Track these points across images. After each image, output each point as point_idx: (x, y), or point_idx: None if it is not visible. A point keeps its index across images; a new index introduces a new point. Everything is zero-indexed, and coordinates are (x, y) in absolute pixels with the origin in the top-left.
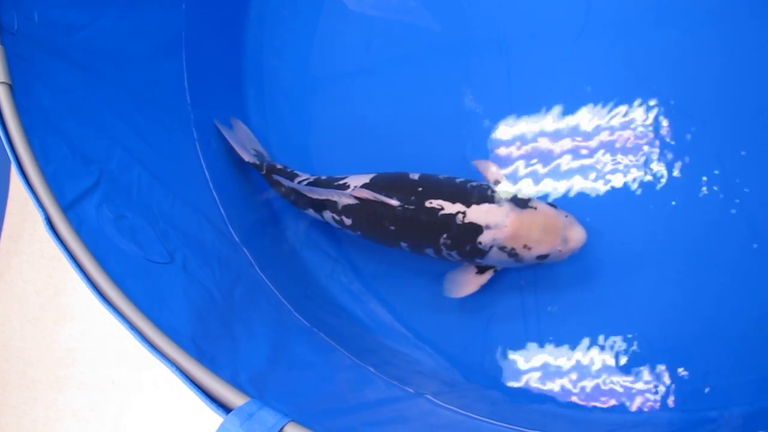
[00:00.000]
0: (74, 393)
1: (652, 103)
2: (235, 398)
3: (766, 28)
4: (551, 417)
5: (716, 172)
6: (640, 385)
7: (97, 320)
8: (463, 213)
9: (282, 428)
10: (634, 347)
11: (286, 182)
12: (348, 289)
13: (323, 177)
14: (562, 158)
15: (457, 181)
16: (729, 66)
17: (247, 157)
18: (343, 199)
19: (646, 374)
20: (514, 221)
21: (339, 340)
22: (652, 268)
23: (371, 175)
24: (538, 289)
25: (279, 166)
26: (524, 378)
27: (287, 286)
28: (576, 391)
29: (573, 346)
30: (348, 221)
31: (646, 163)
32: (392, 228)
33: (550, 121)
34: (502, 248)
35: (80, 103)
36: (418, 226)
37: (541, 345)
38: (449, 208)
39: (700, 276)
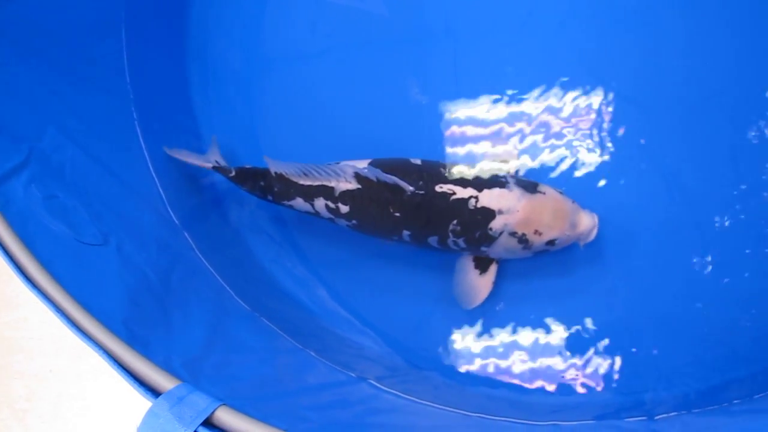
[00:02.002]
0: (10, 383)
1: (598, 88)
2: (165, 382)
3: (713, 15)
4: (492, 400)
5: (661, 158)
6: (579, 369)
7: (35, 308)
8: (476, 198)
9: (213, 412)
10: (574, 331)
11: (276, 167)
12: (292, 274)
13: (306, 164)
14: (510, 140)
15: (461, 163)
16: (675, 52)
17: (210, 166)
18: (343, 184)
19: (584, 358)
20: (525, 206)
21: (281, 324)
22: (593, 254)
23: (367, 161)
24: None
25: (248, 166)
26: (467, 362)
27: (229, 271)
28: (517, 374)
29: (515, 330)
30: (345, 208)
31: (593, 149)
32: (397, 215)
33: (498, 106)
34: (512, 234)
35: (10, 78)
36: (427, 212)
37: (485, 329)
38: (461, 192)
39: (639, 261)
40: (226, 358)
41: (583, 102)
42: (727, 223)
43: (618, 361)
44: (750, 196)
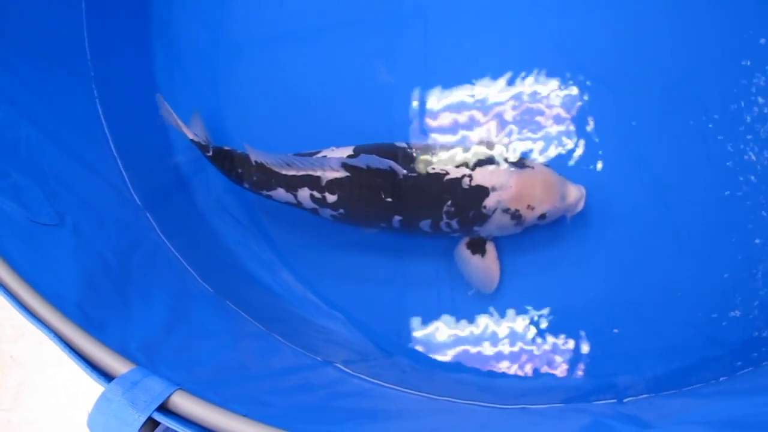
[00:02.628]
0: None
1: (571, 72)
2: (118, 366)
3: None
4: (461, 384)
5: (634, 143)
6: (549, 352)
7: None
8: (470, 176)
9: (169, 396)
10: (544, 315)
11: (257, 156)
12: (258, 257)
13: (289, 155)
14: (486, 126)
15: (448, 144)
16: (648, 36)
17: (191, 135)
18: (330, 173)
19: (554, 341)
20: (518, 181)
21: (246, 308)
22: (561, 238)
23: (350, 147)
24: (452, 257)
25: (227, 148)
26: (435, 347)
27: (193, 253)
28: (486, 358)
29: (484, 315)
30: (332, 198)
31: (565, 134)
32: (389, 200)
33: (472, 91)
34: (505, 210)
35: None
36: (420, 194)
37: (453, 313)
38: (454, 172)
39: (606, 245)
40: (188, 342)
41: (556, 86)
42: (697, 208)
43: (588, 344)
44: (721, 181)
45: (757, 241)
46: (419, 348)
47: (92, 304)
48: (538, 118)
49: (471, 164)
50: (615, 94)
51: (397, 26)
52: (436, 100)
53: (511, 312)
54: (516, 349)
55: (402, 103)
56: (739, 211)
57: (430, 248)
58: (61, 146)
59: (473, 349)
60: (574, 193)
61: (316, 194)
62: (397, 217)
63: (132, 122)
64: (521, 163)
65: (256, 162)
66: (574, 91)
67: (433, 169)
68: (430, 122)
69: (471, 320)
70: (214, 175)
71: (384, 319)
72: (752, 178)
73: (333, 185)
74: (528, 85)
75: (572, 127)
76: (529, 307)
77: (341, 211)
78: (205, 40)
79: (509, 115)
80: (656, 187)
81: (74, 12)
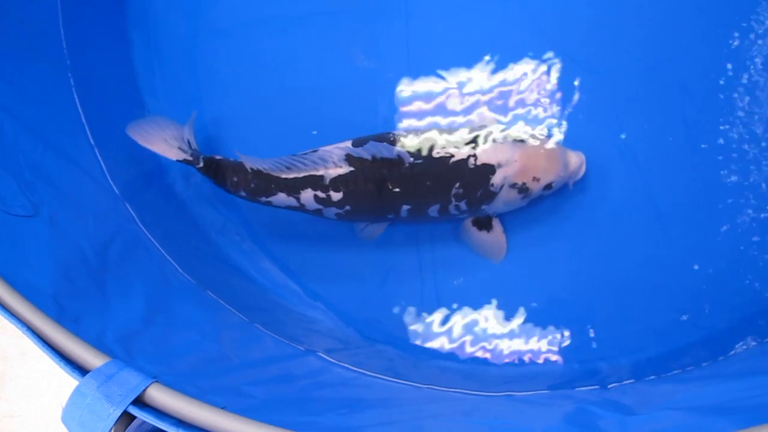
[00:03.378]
0: None
1: (553, 57)
2: (93, 359)
3: None
4: (446, 372)
5: (616, 127)
6: (533, 339)
7: None
8: (474, 156)
9: (145, 389)
10: (527, 301)
11: (251, 164)
12: (239, 247)
13: (286, 157)
14: (471, 115)
15: (445, 128)
16: (629, 18)
17: (174, 155)
18: (332, 170)
19: (538, 327)
20: (522, 155)
21: (228, 298)
22: (542, 225)
23: (348, 142)
24: (435, 245)
25: (219, 158)
26: (420, 334)
27: (173, 243)
28: (471, 345)
29: (468, 301)
30: (337, 196)
31: (547, 118)
32: (397, 190)
33: (454, 77)
34: (512, 186)
35: None
36: (428, 180)
37: (437, 300)
38: (459, 153)
39: (586, 230)
40: (167, 333)
41: (538, 70)
42: (678, 192)
43: (571, 329)
44: (701, 165)
45: (740, 224)
46: (403, 335)
47: (68, 296)
48: (520, 102)
49: (474, 144)
50: (597, 78)
51: (379, 13)
52: (420, 85)
53: (494, 300)
54: (499, 335)
55: (387, 90)
56: (722, 195)
57: (413, 237)
58: (36, 136)
59: (457, 337)
60: (575, 159)
61: (320, 194)
62: (405, 207)
63: (110, 111)
64: (521, 137)
65: (252, 169)
66: (557, 74)
67: (438, 153)
68: (416, 108)
69: (454, 308)
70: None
71: (367, 307)
72: (735, 157)
73: (337, 182)
74: (511, 69)
75: (555, 111)
76: (512, 295)
77: (347, 208)
78: (184, 27)
79: (493, 99)
80: (639, 172)
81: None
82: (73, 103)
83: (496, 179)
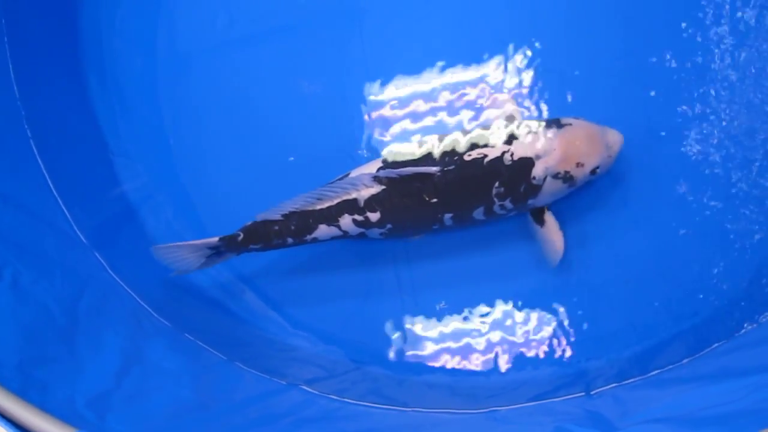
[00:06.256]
0: None
1: (512, 56)
2: None
3: None
4: (433, 388)
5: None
6: (517, 346)
7: None
8: (510, 152)
9: None
10: (509, 310)
11: (281, 210)
12: (216, 281)
13: (316, 190)
14: (437, 116)
15: (470, 128)
16: (590, 15)
17: (214, 246)
18: (364, 192)
19: (523, 335)
20: (560, 142)
21: (206, 338)
22: (520, 229)
23: (378, 161)
24: (411, 262)
25: (249, 223)
26: (403, 350)
27: (146, 287)
28: (455, 357)
29: (450, 314)
30: (375, 216)
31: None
32: (435, 200)
33: (417, 82)
34: (555, 175)
35: None
36: (464, 184)
37: (418, 316)
38: (493, 152)
39: (566, 227)
40: (141, 387)
41: (499, 73)
42: (655, 195)
43: (555, 333)
44: (670, 170)
45: (719, 213)
46: (389, 354)
47: (34, 364)
48: (481, 106)
49: (507, 139)
50: (559, 78)
51: (335, 26)
52: (394, 91)
53: (476, 310)
54: (483, 345)
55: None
56: (700, 183)
57: (389, 254)
58: None
59: (442, 350)
60: (615, 137)
61: (358, 217)
62: (447, 215)
63: (71, 158)
64: (557, 123)
65: (283, 215)
66: (526, 78)
67: (470, 155)
68: (385, 114)
69: (436, 322)
70: (164, 201)
71: (349, 329)
72: (711, 147)
73: (372, 203)
74: (483, 71)
75: (521, 113)
76: (492, 306)
77: (389, 226)
78: (141, 62)
79: (464, 104)
80: (612, 179)
81: None
82: (32, 153)
83: (537, 171)
